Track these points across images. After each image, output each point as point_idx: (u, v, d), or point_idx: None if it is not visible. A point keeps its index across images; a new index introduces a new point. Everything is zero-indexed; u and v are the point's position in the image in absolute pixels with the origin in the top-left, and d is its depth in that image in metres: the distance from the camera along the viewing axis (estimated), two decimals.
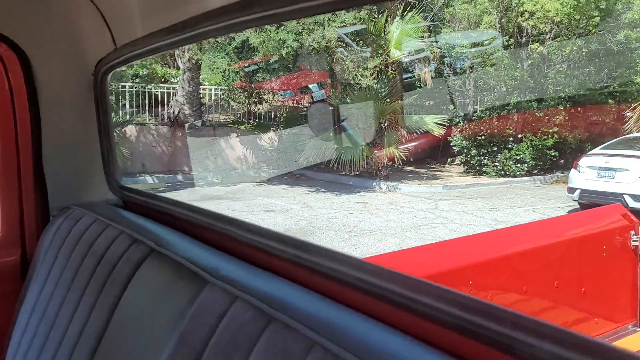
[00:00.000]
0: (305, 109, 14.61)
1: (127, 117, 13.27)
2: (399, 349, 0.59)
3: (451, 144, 13.37)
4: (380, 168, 12.24)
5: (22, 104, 1.54)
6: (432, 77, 13.49)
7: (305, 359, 0.60)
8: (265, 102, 14.89)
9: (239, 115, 14.96)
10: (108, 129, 1.66)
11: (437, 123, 12.33)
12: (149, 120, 13.67)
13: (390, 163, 12.26)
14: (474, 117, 13.49)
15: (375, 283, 0.73)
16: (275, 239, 0.94)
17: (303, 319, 0.65)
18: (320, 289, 0.78)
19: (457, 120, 13.48)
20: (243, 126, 14.60)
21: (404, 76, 13.59)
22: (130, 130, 13.01)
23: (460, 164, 13.71)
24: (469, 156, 13.12)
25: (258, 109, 14.94)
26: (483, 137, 12.88)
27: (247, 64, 14.39)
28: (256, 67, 14.52)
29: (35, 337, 1.25)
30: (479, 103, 14.09)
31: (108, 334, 1.00)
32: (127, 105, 13.36)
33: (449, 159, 14.20)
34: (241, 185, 12.48)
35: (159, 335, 0.84)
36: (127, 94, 13.30)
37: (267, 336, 0.66)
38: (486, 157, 12.91)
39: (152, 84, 13.75)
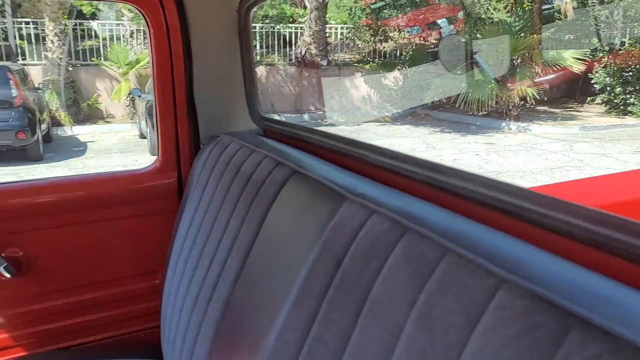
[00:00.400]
0: (432, 46, 14.14)
1: (257, 57, 13.73)
2: (529, 257, 0.63)
3: (592, 82, 12.26)
4: (510, 107, 11.64)
5: (176, 41, 1.70)
6: (573, 8, 12.34)
7: (439, 264, 0.66)
8: (391, 39, 14.61)
9: (364, 54, 14.87)
10: (250, 63, 1.79)
11: (577, 58, 11.33)
12: (277, 60, 14.05)
13: (522, 102, 11.59)
14: (620, 51, 12.20)
15: (506, 200, 0.76)
16: (408, 161, 1.00)
17: (437, 230, 0.71)
18: (452, 207, 0.84)
19: (601, 54, 12.27)
20: (368, 65, 14.52)
21: (541, 8, 12.56)
22: (260, 70, 13.48)
23: (601, 103, 12.56)
24: (612, 94, 11.94)
25: (383, 47, 14.72)
26: (631, 73, 11.62)
27: (373, 1, 14.14)
28: (383, 3, 14.21)
29: (194, 247, 1.43)
30: (627, 35, 12.69)
31: (257, 244, 1.13)
32: (257, 46, 13.80)
33: (588, 98, 13.09)
34: (365, 125, 12.55)
35: (303, 245, 0.95)
36: (257, 34, 13.71)
37: (402, 244, 0.73)
38: (633, 96, 11.69)
39: (281, 24, 14.03)
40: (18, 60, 11.96)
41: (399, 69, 14.28)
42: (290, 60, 14.06)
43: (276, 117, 12.78)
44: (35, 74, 11.45)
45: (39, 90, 10.66)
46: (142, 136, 10.78)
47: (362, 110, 13.88)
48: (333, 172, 1.09)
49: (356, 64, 14.54)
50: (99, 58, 12.56)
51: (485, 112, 11.77)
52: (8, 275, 1.62)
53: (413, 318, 0.65)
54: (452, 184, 0.87)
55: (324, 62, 13.96)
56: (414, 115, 13.47)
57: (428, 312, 0.63)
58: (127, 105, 12.45)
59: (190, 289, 1.36)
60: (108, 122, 12.38)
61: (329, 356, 0.76)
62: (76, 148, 10.15)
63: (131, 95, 11.92)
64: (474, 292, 0.59)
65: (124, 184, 1.80)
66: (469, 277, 0.61)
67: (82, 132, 11.43)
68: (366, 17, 14.42)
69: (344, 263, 0.82)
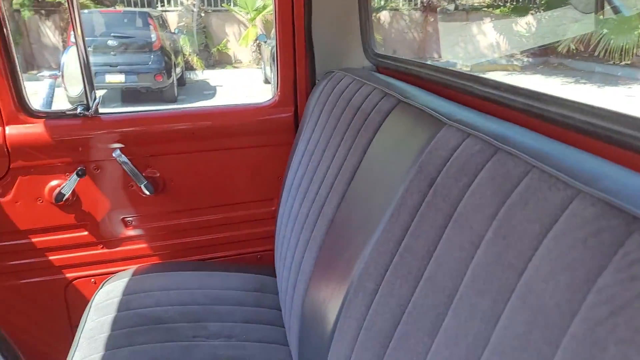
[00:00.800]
0: None
1: (382, 2, 13.50)
2: (607, 171, 0.64)
3: None
4: None
5: None
6: None
7: (523, 180, 0.70)
8: None
9: None
10: (366, 1, 1.83)
11: None
12: (402, 5, 13.72)
13: None
14: None
15: (591, 122, 0.79)
16: (507, 90, 1.03)
17: (524, 149, 0.74)
18: (542, 130, 0.87)
19: None
20: (498, 10, 13.71)
21: None
22: (384, 16, 13.27)
23: None
24: None
25: None
26: None
27: None
28: None
29: (305, 174, 1.55)
30: None
31: (361, 168, 1.21)
32: None
33: None
34: (490, 75, 11.99)
35: (401, 168, 1.01)
36: None
37: (492, 163, 0.77)
38: None
39: None
40: (157, 6, 12.79)
41: (532, 14, 13.34)
42: (415, 5, 13.66)
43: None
44: (172, 20, 12.20)
45: (174, 35, 11.38)
46: (267, 81, 11.18)
47: (489, 58, 13.24)
48: (435, 101, 1.13)
49: (485, 9, 13.80)
50: (229, 4, 13.06)
51: (629, 62, 10.71)
52: (148, 193, 1.86)
53: (493, 228, 0.70)
54: (543, 109, 0.91)
55: (451, 7, 13.40)
56: (546, 64, 12.63)
57: (507, 222, 0.68)
58: (253, 51, 12.91)
59: (300, 211, 1.48)
60: (236, 67, 12.95)
61: (417, 264, 0.83)
62: (206, 92, 10.80)
63: (257, 41, 12.32)
64: (551, 203, 0.63)
65: (246, 116, 1.95)
66: (547, 190, 0.64)
67: (211, 76, 12.09)
68: None
69: (436, 182, 0.87)
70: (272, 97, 1.98)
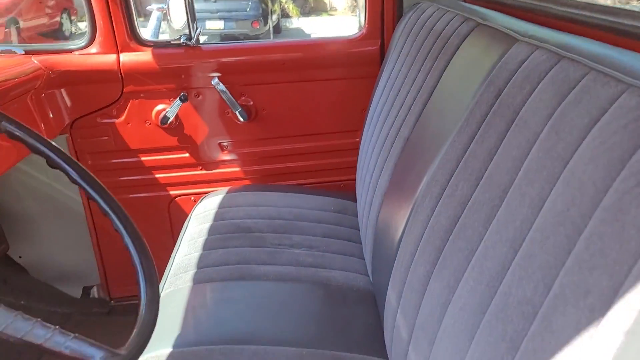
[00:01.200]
0: None
1: None
2: None
3: None
4: None
5: None
6: None
7: (580, 81, 0.74)
8: None
9: None
10: None
11: None
12: None
13: None
14: None
15: None
16: (584, 8, 1.05)
17: (584, 54, 0.78)
18: (608, 40, 0.89)
19: None
20: None
21: None
22: None
23: None
24: None
25: None
26: None
27: None
28: None
29: (387, 101, 1.62)
30: None
31: (437, 89, 1.27)
32: None
33: None
34: None
35: (474, 84, 1.06)
36: None
37: (554, 70, 0.81)
38: None
39: None
40: None
41: None
42: None
43: None
44: None
45: None
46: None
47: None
48: (512, 21, 1.16)
49: None
50: None
51: None
52: (242, 120, 2.01)
53: (548, 126, 0.75)
54: (616, 22, 0.93)
55: None
56: None
57: (560, 119, 0.73)
58: None
59: (380, 135, 1.57)
60: (331, 14, 12.91)
61: (478, 165, 0.90)
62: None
63: None
64: (602, 99, 0.67)
65: (334, 48, 2.03)
66: (600, 87, 0.69)
67: (306, 24, 12.15)
68: None
69: (503, 92, 0.92)
70: (360, 30, 2.04)
